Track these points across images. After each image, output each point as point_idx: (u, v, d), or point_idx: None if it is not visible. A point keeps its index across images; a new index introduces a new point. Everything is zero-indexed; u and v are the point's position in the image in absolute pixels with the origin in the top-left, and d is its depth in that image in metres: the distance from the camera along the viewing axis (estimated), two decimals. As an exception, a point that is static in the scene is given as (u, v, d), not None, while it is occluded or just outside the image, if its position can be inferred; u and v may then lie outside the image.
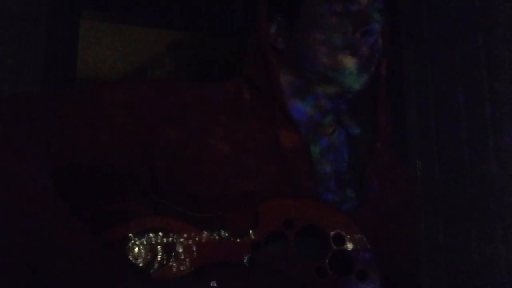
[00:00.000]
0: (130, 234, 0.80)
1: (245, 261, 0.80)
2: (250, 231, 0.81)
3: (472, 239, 2.42)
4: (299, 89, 0.97)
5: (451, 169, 2.59)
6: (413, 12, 2.83)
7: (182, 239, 0.80)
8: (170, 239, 0.80)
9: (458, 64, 2.55)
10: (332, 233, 0.83)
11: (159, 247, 0.80)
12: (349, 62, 0.92)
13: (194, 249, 0.80)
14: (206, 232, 0.81)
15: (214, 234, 0.81)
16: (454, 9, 2.59)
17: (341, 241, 0.83)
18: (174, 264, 0.79)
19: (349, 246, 0.83)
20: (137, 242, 0.79)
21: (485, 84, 2.39)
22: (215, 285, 0.77)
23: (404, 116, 2.82)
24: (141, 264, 0.79)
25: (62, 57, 2.29)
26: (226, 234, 0.81)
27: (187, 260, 0.79)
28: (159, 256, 0.79)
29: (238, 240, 0.81)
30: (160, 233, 0.80)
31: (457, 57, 2.56)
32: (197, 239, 0.80)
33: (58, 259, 0.70)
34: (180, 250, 0.80)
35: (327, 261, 0.82)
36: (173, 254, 0.79)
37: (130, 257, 0.79)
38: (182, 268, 0.79)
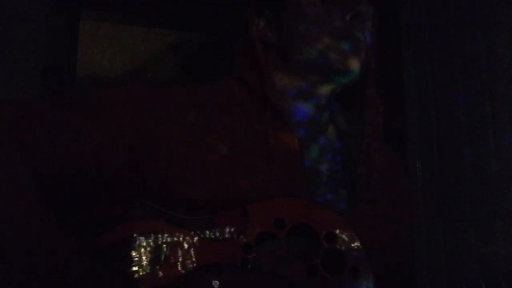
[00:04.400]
0: (127, 240, 0.80)
1: (238, 262, 0.80)
2: (242, 232, 0.82)
3: (472, 239, 2.41)
4: (296, 88, 0.97)
5: (451, 169, 2.58)
6: (413, 11, 2.83)
7: (177, 243, 0.80)
8: (167, 243, 0.80)
9: (458, 64, 2.55)
10: (323, 232, 0.83)
11: (156, 251, 0.80)
12: (346, 60, 0.92)
13: (189, 253, 0.80)
14: (198, 235, 0.81)
15: (207, 237, 0.81)
16: (454, 9, 2.59)
17: (332, 240, 0.83)
18: (170, 268, 0.79)
19: (341, 244, 0.83)
20: (136, 248, 0.80)
21: (485, 84, 2.38)
22: (217, 284, 0.78)
23: (404, 116, 2.81)
24: (140, 268, 0.79)
25: (62, 57, 2.29)
26: (219, 236, 0.81)
27: (183, 263, 0.79)
28: (156, 260, 0.79)
29: (230, 241, 0.81)
30: (158, 238, 0.80)
31: (457, 57, 2.56)
32: (191, 242, 0.80)
33: (39, 268, 0.70)
34: (176, 253, 0.80)
35: (319, 260, 0.82)
36: (169, 257, 0.79)
37: (129, 261, 0.79)
38: (177, 271, 0.79)
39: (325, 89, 0.97)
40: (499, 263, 2.24)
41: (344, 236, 0.83)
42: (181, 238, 0.80)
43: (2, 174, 0.75)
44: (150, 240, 0.80)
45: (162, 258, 0.79)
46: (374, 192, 0.97)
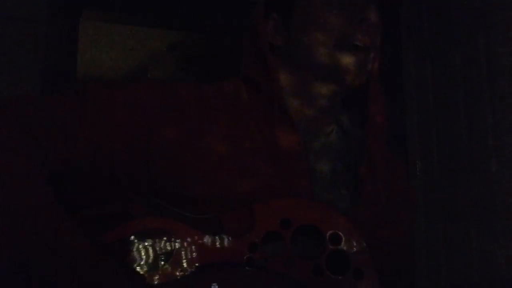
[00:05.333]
0: (132, 237, 0.80)
1: (243, 261, 0.80)
2: (247, 232, 0.82)
3: (472, 239, 2.42)
4: (300, 89, 0.98)
5: (451, 169, 2.59)
6: (413, 12, 2.83)
7: (182, 241, 0.80)
8: (172, 241, 0.80)
9: (458, 64, 2.55)
10: (328, 232, 0.83)
11: (161, 249, 0.80)
12: (349, 61, 0.92)
13: (194, 251, 0.80)
14: (204, 234, 0.81)
15: (212, 236, 0.81)
16: (454, 9, 2.59)
17: (337, 240, 0.83)
18: (175, 266, 0.79)
19: (346, 245, 0.83)
20: (140, 245, 0.80)
21: (485, 84, 2.38)
22: (216, 287, 0.78)
23: (404, 116, 2.81)
24: (144, 266, 0.79)
25: (62, 57, 2.29)
26: (224, 235, 0.81)
27: (188, 261, 0.79)
28: (162, 258, 0.79)
29: (236, 241, 0.81)
30: (164, 236, 0.80)
31: (457, 57, 2.56)
32: (196, 240, 0.80)
33: (52, 263, 0.70)
34: (182, 251, 0.80)
35: (324, 260, 0.82)
36: (174, 255, 0.79)
37: (134, 258, 0.79)
38: (182, 269, 0.79)
39: (323, 89, 0.97)
40: (499, 263, 2.25)
41: (349, 237, 0.83)
42: (188, 236, 0.80)
43: (13, 171, 0.76)
44: (154, 238, 0.80)
45: (167, 256, 0.79)
46: (375, 192, 0.98)
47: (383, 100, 1.01)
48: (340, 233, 0.83)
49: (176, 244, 0.80)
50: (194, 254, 0.80)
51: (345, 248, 0.83)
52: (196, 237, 0.81)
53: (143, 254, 0.79)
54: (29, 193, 0.75)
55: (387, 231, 0.96)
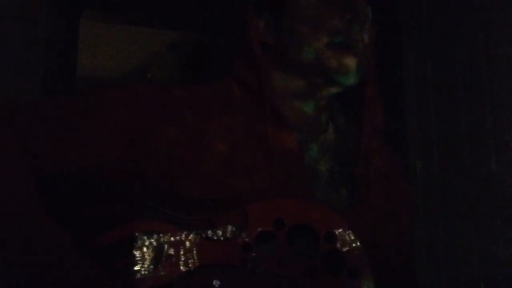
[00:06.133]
0: (126, 239, 0.80)
1: (237, 262, 0.80)
2: (240, 232, 0.82)
3: (472, 239, 2.41)
4: (294, 89, 0.98)
5: (451, 169, 2.58)
6: (413, 12, 2.83)
7: (175, 243, 0.80)
8: (164, 243, 0.80)
9: (458, 64, 2.55)
10: (322, 232, 0.83)
11: (154, 251, 0.80)
12: (342, 60, 0.92)
13: (186, 253, 0.80)
14: (196, 235, 0.81)
15: (207, 236, 0.81)
16: (454, 9, 2.59)
17: (332, 240, 0.83)
18: (168, 268, 0.79)
19: (340, 244, 0.83)
20: (134, 247, 0.80)
21: (485, 84, 2.38)
22: (218, 284, 0.78)
23: (404, 116, 2.81)
24: (137, 268, 0.79)
25: (62, 57, 2.29)
26: (218, 236, 0.82)
27: (180, 264, 0.79)
28: (154, 261, 0.80)
29: (229, 241, 0.81)
30: (157, 239, 0.80)
31: (457, 57, 2.56)
32: (188, 242, 0.81)
33: (37, 269, 0.71)
34: (174, 254, 0.80)
35: (318, 260, 0.82)
36: (166, 258, 0.79)
37: (134, 257, 0.79)
38: (175, 271, 0.79)
39: (327, 91, 0.97)
40: (499, 263, 2.24)
41: (343, 236, 0.83)
42: (181, 238, 0.81)
43: (2, 175, 0.76)
44: (150, 240, 0.80)
45: (163, 258, 0.79)
46: (373, 192, 0.98)
47: (380, 100, 1.02)
48: (335, 233, 0.83)
49: (171, 246, 0.80)
50: (189, 255, 0.80)
51: (340, 247, 0.83)
52: (190, 239, 0.81)
53: (138, 256, 0.80)
54: (13, 199, 0.75)
55: (387, 231, 0.96)
